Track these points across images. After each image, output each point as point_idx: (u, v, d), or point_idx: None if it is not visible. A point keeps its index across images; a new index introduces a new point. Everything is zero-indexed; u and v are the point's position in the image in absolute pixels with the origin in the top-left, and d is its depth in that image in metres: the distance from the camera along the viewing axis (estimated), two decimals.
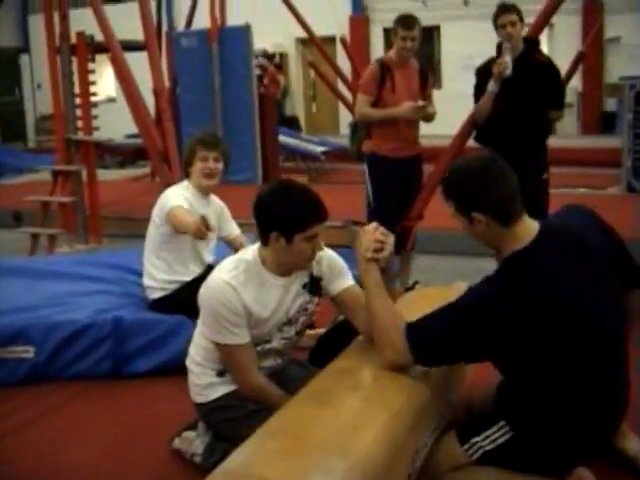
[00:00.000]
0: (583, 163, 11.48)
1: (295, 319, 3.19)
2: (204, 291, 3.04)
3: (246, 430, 2.67)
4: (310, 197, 2.98)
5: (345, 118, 16.97)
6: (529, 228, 2.85)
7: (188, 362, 3.26)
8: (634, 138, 9.68)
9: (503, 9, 5.22)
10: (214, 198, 4.62)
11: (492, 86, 5.18)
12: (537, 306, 2.65)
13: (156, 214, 4.42)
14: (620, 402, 2.89)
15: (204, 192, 4.49)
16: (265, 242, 3.01)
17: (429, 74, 5.79)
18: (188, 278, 4.43)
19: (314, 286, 3.19)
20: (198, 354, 3.19)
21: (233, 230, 4.70)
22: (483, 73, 5.39)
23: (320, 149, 12.64)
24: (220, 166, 4.45)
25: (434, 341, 2.80)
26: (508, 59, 5.08)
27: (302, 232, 2.94)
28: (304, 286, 3.17)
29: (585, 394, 2.78)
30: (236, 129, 10.42)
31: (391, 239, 3.02)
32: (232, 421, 3.11)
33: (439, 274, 6.44)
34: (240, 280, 2.98)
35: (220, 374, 3.16)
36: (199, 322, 3.17)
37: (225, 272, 3.02)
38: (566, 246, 2.84)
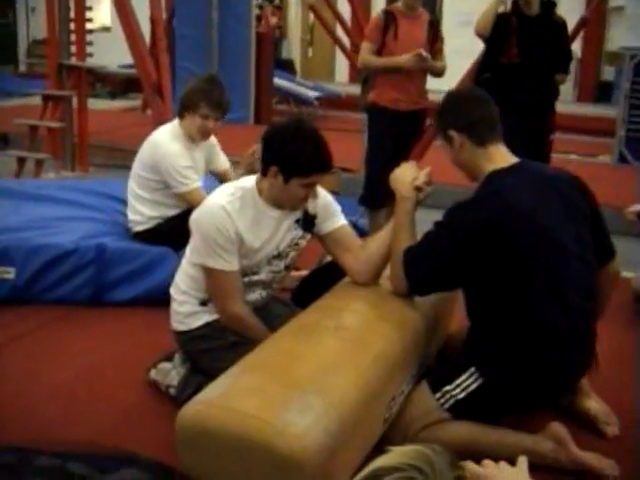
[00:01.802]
0: (577, 130, 11.44)
1: (285, 253, 3.18)
2: (198, 214, 3.01)
3: (224, 362, 2.66)
4: (320, 145, 2.94)
5: (341, 65, 16.86)
6: (506, 155, 2.97)
7: (172, 290, 3.24)
8: (629, 108, 9.66)
9: None
10: None
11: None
12: (503, 220, 2.74)
13: (147, 157, 4.32)
14: (586, 333, 2.91)
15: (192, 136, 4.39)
16: (264, 173, 2.99)
17: (440, 27, 5.63)
18: (173, 212, 4.38)
19: (307, 223, 3.17)
20: (183, 282, 3.17)
21: (222, 164, 4.66)
22: (499, 27, 5.29)
23: (314, 94, 12.53)
24: (218, 126, 4.35)
25: (421, 260, 2.90)
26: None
27: (302, 177, 2.92)
28: (297, 221, 3.15)
29: (546, 331, 2.80)
30: (231, 67, 10.29)
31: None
32: (211, 351, 3.11)
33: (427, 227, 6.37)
34: (235, 206, 2.96)
35: (203, 303, 3.14)
36: (188, 249, 3.14)
37: (222, 197, 2.99)
38: (542, 181, 2.94)
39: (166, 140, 4.28)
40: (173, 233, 4.12)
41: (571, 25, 7.70)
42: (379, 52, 5.42)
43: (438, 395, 2.88)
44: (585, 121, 12.43)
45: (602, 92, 16.37)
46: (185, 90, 4.39)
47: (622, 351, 3.86)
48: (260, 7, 12.36)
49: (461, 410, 2.86)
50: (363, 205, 5.76)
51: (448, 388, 2.87)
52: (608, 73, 16.49)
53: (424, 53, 5.23)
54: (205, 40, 10.32)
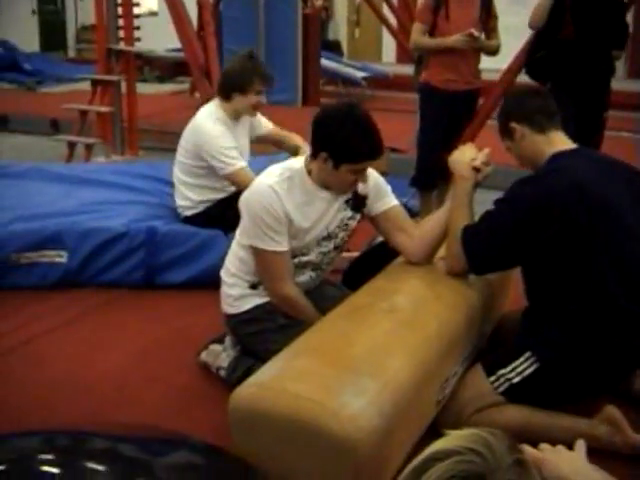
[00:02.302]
0: (629, 107, 11.24)
1: (335, 234, 3.15)
2: (247, 194, 2.99)
3: (274, 345, 2.66)
4: (372, 131, 2.88)
5: (388, 45, 16.74)
6: (567, 141, 3.00)
7: (222, 273, 3.24)
8: None
9: None
10: None
11: None
12: (566, 195, 2.72)
13: (189, 143, 4.31)
14: None
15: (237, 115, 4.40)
16: (314, 156, 2.95)
17: (493, 4, 5.48)
18: (221, 196, 4.38)
19: (358, 203, 3.14)
20: (233, 265, 3.16)
21: (266, 125, 4.63)
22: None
23: (361, 75, 12.44)
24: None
25: (481, 236, 2.90)
26: None
27: (352, 164, 2.88)
28: (347, 202, 3.12)
29: (610, 313, 2.75)
30: (278, 49, 10.27)
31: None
32: (261, 334, 3.10)
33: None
34: (284, 187, 2.93)
35: (253, 286, 3.12)
36: (237, 231, 3.13)
37: (270, 177, 2.96)
38: (605, 164, 2.98)
39: (207, 124, 4.26)
40: (222, 216, 4.12)
41: None
42: (431, 32, 5.34)
43: (492, 378, 2.85)
44: (637, 98, 12.21)
45: None
46: (230, 70, 4.38)
47: None
48: None
49: (516, 394, 2.83)
50: (414, 186, 5.72)
51: (503, 371, 2.83)
52: None
53: (475, 33, 5.15)
54: (252, 22, 10.30)
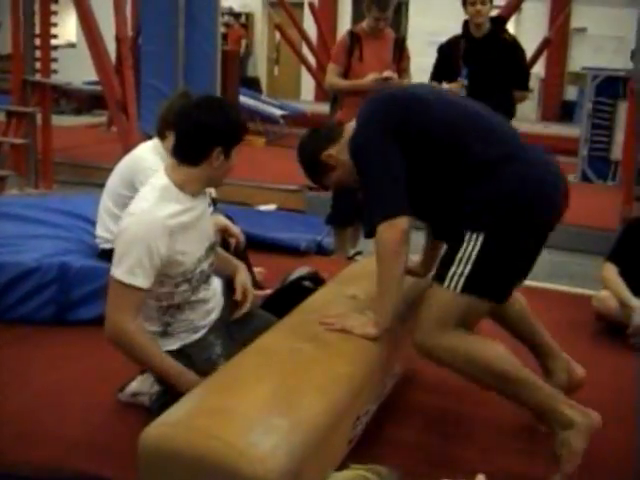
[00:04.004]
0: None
1: (215, 242, 3.15)
2: (135, 223, 2.79)
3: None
4: (235, 107, 2.99)
5: (307, 83, 16.93)
6: None
7: None
8: (592, 128, 9.81)
9: None
10: None
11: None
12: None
13: (126, 173, 4.25)
14: (548, 161, 3.03)
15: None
16: (200, 160, 2.84)
17: (406, 45, 5.67)
18: None
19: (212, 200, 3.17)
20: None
21: None
22: (445, 53, 5.41)
23: (280, 112, 12.56)
24: None
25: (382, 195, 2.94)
26: (464, 81, 5.22)
27: (238, 144, 2.90)
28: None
29: (511, 154, 2.92)
30: (197, 85, 10.21)
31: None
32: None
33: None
34: (176, 222, 2.80)
35: (164, 333, 3.04)
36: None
37: (156, 207, 2.79)
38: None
39: (147, 155, 4.24)
40: None
41: (534, 46, 7.84)
42: (345, 73, 5.46)
43: (446, 283, 2.84)
44: (549, 140, 12.54)
45: (565, 111, 16.60)
46: (165, 109, 4.39)
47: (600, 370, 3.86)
48: (227, 25, 12.40)
49: (475, 285, 2.82)
50: (330, 224, 5.77)
51: (453, 269, 2.84)
52: (571, 93, 16.73)
53: (389, 74, 5.27)
54: (171, 57, 10.29)
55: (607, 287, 4.49)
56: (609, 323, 4.50)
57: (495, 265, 2.83)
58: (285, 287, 3.81)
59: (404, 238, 2.85)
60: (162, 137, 4.29)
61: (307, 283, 3.61)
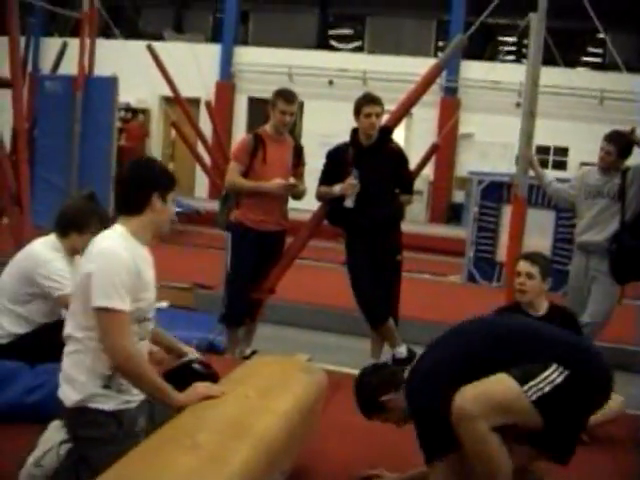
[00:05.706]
0: (429, 250, 11.85)
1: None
2: (102, 260, 3.03)
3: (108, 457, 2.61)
4: (161, 162, 3.50)
5: (201, 181, 17.03)
6: None
7: (65, 381, 3.12)
8: (478, 230, 10.13)
9: (370, 100, 5.46)
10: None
11: (348, 202, 5.47)
12: None
13: (22, 268, 4.26)
14: None
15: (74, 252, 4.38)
16: (143, 207, 3.19)
17: (303, 153, 5.85)
18: (31, 329, 4.27)
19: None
20: (81, 365, 3.07)
21: None
22: (334, 159, 5.60)
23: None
24: None
25: None
26: (355, 182, 5.38)
27: (173, 190, 3.28)
28: None
29: None
30: (91, 179, 10.19)
31: None
32: (101, 440, 3.03)
33: (279, 344, 6.43)
34: (137, 260, 3.13)
35: (106, 386, 3.08)
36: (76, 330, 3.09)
37: (119, 245, 3.09)
38: None
39: (44, 250, 4.29)
40: (32, 347, 4.10)
41: (424, 150, 8.17)
42: (246, 173, 5.56)
43: (525, 387, 2.97)
44: (437, 241, 12.92)
45: (453, 213, 17.14)
46: (70, 209, 4.41)
47: None
48: (123, 120, 12.46)
49: (547, 404, 2.96)
50: (224, 323, 5.77)
51: (532, 383, 2.97)
52: (459, 196, 17.28)
53: (293, 181, 5.48)
54: (66, 152, 10.27)
55: None
56: None
57: (569, 400, 3.03)
58: (177, 368, 3.79)
59: None
60: (64, 235, 4.31)
61: (197, 367, 3.61)
